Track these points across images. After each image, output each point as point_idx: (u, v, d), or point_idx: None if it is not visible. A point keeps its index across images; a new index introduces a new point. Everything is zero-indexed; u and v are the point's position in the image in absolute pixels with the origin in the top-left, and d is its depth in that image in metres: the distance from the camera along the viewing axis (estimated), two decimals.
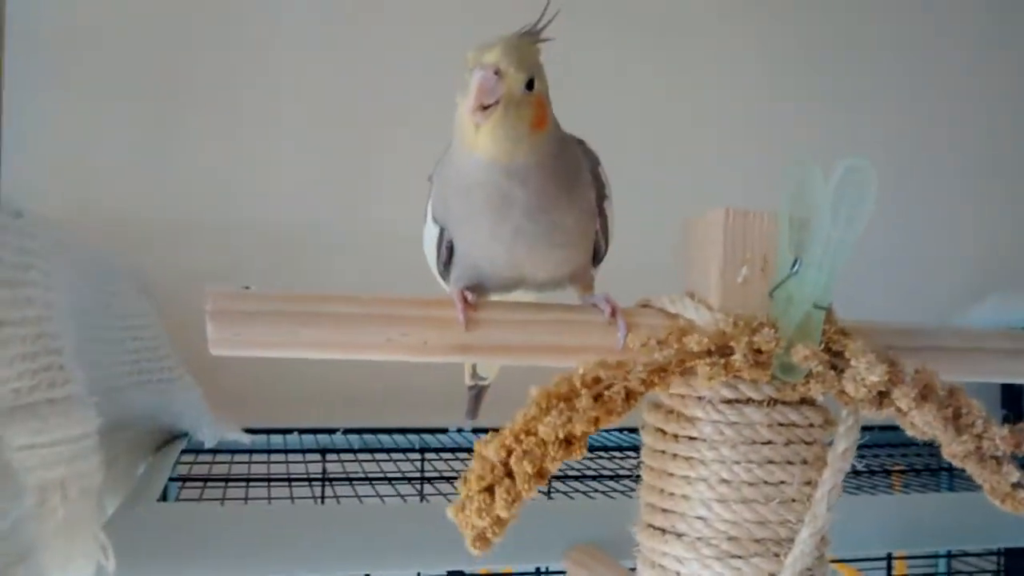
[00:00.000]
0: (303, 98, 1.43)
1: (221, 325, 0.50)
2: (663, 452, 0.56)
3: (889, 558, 1.03)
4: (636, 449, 0.63)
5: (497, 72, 0.52)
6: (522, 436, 0.50)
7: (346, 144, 1.44)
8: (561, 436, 0.49)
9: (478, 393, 0.78)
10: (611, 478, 1.07)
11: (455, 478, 1.03)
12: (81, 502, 0.67)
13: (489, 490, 0.49)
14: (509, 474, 0.49)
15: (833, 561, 1.11)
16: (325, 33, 1.45)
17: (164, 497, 0.96)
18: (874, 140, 1.68)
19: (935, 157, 1.72)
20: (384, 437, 1.30)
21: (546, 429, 0.49)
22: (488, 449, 0.50)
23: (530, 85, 0.54)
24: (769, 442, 0.54)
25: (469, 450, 1.21)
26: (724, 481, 0.53)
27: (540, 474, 0.49)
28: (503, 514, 0.49)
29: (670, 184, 1.49)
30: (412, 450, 1.21)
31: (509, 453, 0.49)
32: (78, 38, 1.34)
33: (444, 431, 1.32)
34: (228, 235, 1.38)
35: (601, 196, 0.62)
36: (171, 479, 0.99)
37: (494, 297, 0.62)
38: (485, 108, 0.52)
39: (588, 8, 1.53)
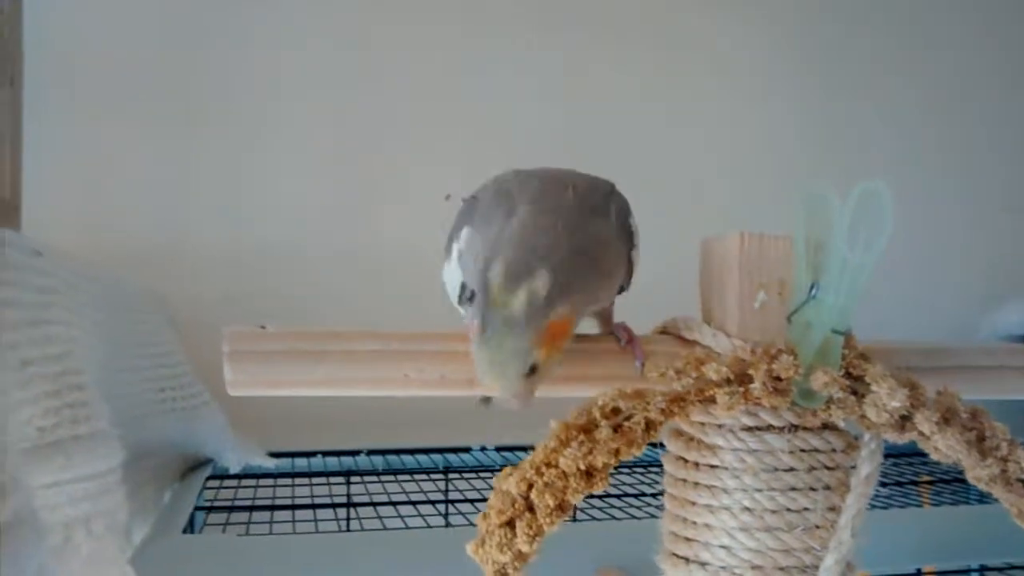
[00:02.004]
0: (321, 124, 1.44)
1: (239, 366, 0.50)
2: (684, 481, 0.55)
3: (919, 573, 1.01)
4: (658, 464, 0.62)
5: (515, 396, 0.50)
6: (543, 469, 0.49)
7: (364, 167, 1.45)
8: (582, 468, 0.49)
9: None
10: (636, 496, 1.06)
11: (479, 500, 1.04)
12: (107, 538, 0.68)
13: (510, 524, 0.49)
14: (530, 508, 0.49)
15: None
16: (340, 59, 1.46)
17: (191, 525, 0.96)
18: (888, 150, 1.67)
19: (952, 161, 1.71)
20: (407, 458, 1.30)
21: (567, 461, 0.48)
22: (508, 483, 0.50)
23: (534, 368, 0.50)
24: (791, 469, 0.53)
25: (492, 469, 1.22)
26: (747, 509, 0.52)
27: (561, 507, 0.49)
28: (525, 549, 0.49)
29: (687, 207, 1.48)
30: (436, 471, 1.21)
31: (530, 487, 0.49)
32: (93, 68, 1.36)
33: (467, 450, 1.32)
34: (249, 260, 1.39)
35: (630, 245, 0.60)
36: (197, 507, 1.00)
37: None
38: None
39: (599, 28, 1.53)
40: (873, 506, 1.03)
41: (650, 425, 0.50)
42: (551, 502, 0.49)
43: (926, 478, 1.22)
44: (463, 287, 0.59)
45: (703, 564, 0.54)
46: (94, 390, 0.71)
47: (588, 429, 0.50)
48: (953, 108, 1.72)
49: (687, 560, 0.55)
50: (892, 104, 1.68)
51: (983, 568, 1.05)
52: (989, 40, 1.75)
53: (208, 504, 1.04)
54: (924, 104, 1.70)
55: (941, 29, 1.73)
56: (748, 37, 1.63)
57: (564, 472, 0.49)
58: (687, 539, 0.55)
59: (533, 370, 0.49)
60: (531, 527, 0.49)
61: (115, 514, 0.70)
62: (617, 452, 0.50)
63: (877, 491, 1.10)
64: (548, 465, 0.49)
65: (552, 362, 0.50)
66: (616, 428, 0.50)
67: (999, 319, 1.51)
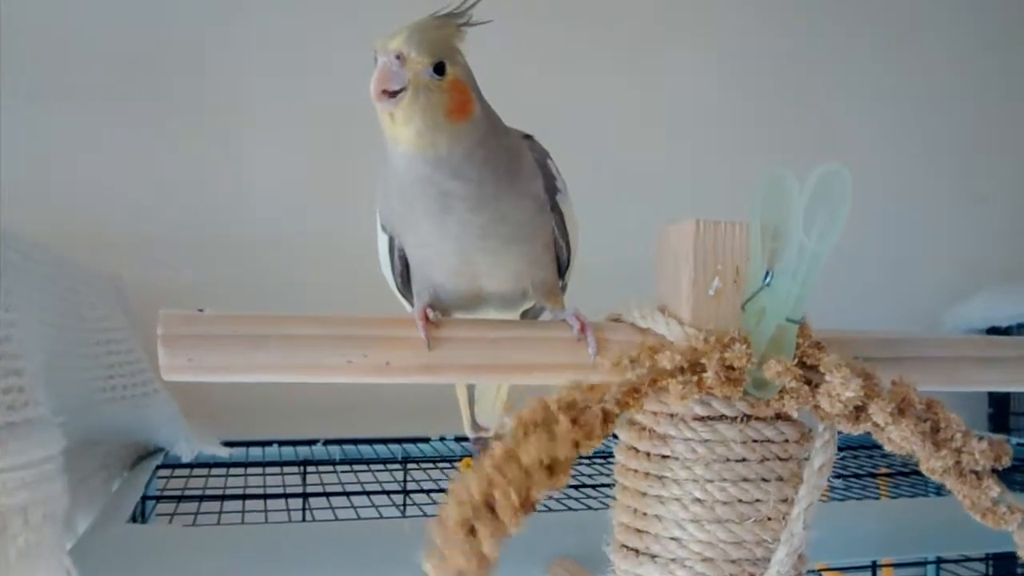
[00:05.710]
0: (283, 112, 1.42)
1: (174, 350, 0.48)
2: (636, 471, 0.54)
3: (874, 565, 1.01)
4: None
5: (399, 57, 0.51)
6: (504, 466, 0.47)
7: (327, 156, 1.42)
8: (545, 461, 0.47)
9: (484, 446, 0.76)
10: (593, 487, 1.05)
11: (437, 490, 1.02)
12: (45, 527, 0.65)
13: (471, 530, 0.47)
14: (491, 509, 0.47)
15: (822, 569, 1.10)
16: (305, 46, 1.43)
17: (142, 514, 0.94)
18: (856, 141, 1.68)
19: (920, 156, 1.71)
20: (366, 448, 1.28)
21: (528, 454, 0.46)
22: (468, 483, 0.48)
23: (440, 69, 0.52)
24: (743, 459, 0.52)
25: (451, 460, 1.21)
26: (698, 501, 0.51)
27: (525, 505, 0.47)
28: (487, 551, 0.47)
29: (643, 194, 1.48)
30: (394, 461, 1.20)
31: (491, 485, 0.47)
32: (59, 53, 1.33)
33: (426, 440, 1.30)
34: (207, 248, 1.36)
35: (552, 189, 0.60)
36: (147, 496, 0.97)
37: (458, 316, 0.61)
38: (393, 95, 0.51)
39: (564, 16, 1.52)
40: (831, 498, 1.03)
41: (607, 417, 0.49)
42: (516, 499, 0.47)
43: (884, 470, 1.22)
44: (391, 251, 0.63)
45: (653, 556, 0.53)
46: (33, 376, 0.68)
47: (547, 423, 0.49)
48: (923, 99, 1.72)
49: (637, 552, 0.54)
50: (861, 95, 1.68)
51: (939, 560, 1.05)
52: (963, 30, 1.76)
53: (157, 494, 1.02)
54: (893, 96, 1.70)
55: (915, 19, 1.73)
56: (711, 23, 1.62)
57: (527, 468, 0.47)
58: (638, 530, 0.54)
59: (441, 70, 0.52)
60: (494, 529, 0.47)
61: (54, 504, 0.67)
62: (577, 445, 0.48)
63: (834, 483, 1.10)
64: (509, 460, 0.47)
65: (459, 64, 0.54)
66: (574, 421, 0.48)
67: (963, 313, 1.52)
